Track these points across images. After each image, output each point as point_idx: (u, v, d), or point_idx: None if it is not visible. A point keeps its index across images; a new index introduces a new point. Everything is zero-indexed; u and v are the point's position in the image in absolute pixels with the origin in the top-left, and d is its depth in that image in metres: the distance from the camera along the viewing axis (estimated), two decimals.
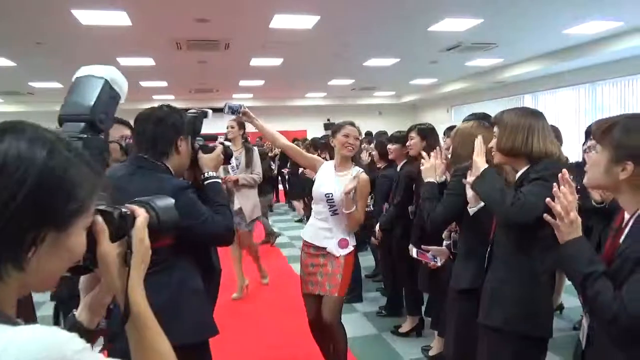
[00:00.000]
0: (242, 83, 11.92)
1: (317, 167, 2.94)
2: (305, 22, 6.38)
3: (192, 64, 9.03)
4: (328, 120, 16.69)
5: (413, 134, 3.61)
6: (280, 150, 9.40)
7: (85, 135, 1.05)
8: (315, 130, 15.59)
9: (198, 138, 2.04)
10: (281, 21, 6.29)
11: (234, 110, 2.78)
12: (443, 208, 2.34)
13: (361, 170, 2.80)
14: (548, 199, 1.46)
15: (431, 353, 3.48)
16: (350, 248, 2.80)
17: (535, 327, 1.85)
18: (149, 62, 8.70)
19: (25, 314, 2.14)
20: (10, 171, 0.60)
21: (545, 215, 1.49)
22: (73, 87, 1.16)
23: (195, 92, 13.22)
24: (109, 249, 0.79)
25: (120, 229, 0.81)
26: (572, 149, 6.75)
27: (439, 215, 2.35)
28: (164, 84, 11.48)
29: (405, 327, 3.91)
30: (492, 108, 14.00)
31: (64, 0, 5.13)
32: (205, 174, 1.95)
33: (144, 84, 11.17)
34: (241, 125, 4.67)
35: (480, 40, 7.91)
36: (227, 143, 2.19)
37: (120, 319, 0.80)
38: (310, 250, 2.84)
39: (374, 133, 10.28)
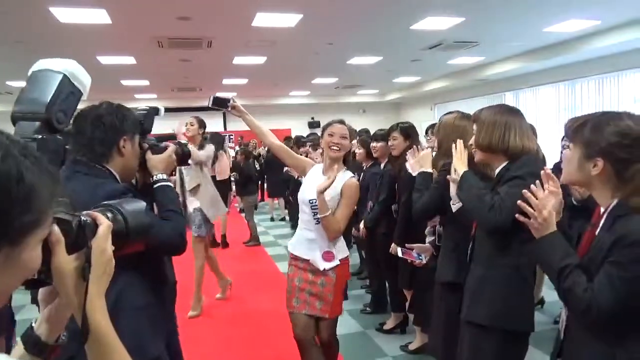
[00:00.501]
0: (226, 81, 11.85)
1: (306, 169, 2.70)
2: (288, 20, 6.36)
3: (174, 62, 8.94)
4: (312, 118, 16.71)
5: (396, 134, 3.63)
6: (266, 149, 9.46)
7: (40, 136, 0.95)
8: (299, 128, 15.58)
9: (150, 138, 1.89)
10: (264, 19, 6.26)
11: (220, 104, 2.54)
12: (428, 198, 2.41)
13: (352, 175, 2.57)
14: (519, 202, 1.51)
15: (412, 347, 3.52)
16: (336, 262, 2.51)
17: (517, 322, 1.88)
18: (130, 60, 8.59)
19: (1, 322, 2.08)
20: None
21: (517, 215, 1.54)
22: (28, 82, 1.06)
23: (177, 90, 13.10)
24: (64, 262, 0.71)
25: (79, 239, 0.73)
26: (552, 145, 6.85)
27: (422, 205, 2.42)
28: (145, 82, 11.35)
29: (389, 324, 3.94)
30: (475, 106, 14.07)
31: None
32: (154, 177, 1.79)
33: (125, 82, 11.03)
34: (202, 124, 4.34)
35: (462, 39, 7.98)
36: (184, 141, 2.08)
37: (79, 338, 0.74)
38: (298, 263, 2.60)
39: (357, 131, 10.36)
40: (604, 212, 1.41)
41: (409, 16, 6.49)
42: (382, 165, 4.09)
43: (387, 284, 4.21)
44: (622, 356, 1.29)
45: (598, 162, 1.36)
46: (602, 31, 7.66)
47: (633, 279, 1.26)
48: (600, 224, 1.40)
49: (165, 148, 1.87)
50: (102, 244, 0.76)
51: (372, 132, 4.70)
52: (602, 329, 1.33)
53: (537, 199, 1.48)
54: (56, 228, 0.70)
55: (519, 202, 1.51)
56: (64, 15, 5.62)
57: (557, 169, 2.31)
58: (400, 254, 2.93)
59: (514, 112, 1.99)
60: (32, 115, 0.99)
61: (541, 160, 1.97)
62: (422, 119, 15.09)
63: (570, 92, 10.03)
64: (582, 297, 1.31)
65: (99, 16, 5.73)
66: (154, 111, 1.93)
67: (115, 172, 1.67)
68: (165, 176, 1.81)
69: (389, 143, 3.70)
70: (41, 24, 5.92)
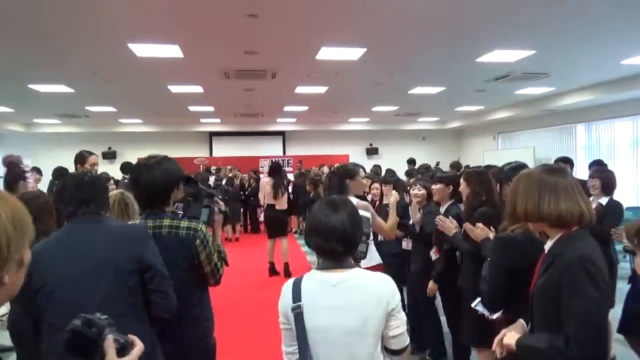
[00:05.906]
0: (287, 108, 12.08)
1: None
2: (351, 54, 6.39)
3: (238, 91, 9.23)
4: (370, 145, 16.61)
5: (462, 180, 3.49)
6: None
7: None
8: (357, 154, 15.52)
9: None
10: (328, 53, 6.32)
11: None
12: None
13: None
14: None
15: None
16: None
17: None
18: (197, 89, 8.96)
19: None
20: None
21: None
22: None
23: (240, 116, 13.49)
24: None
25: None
26: (627, 183, 6.26)
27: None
28: (210, 108, 11.79)
29: None
30: (542, 136, 13.44)
31: (122, 34, 5.37)
32: None
33: (192, 108, 11.51)
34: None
35: (532, 70, 7.69)
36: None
37: None
38: None
39: (416, 160, 10.13)
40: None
41: (475, 49, 6.35)
42: (442, 209, 3.88)
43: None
44: None
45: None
46: None
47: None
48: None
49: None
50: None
51: (432, 161, 4.60)
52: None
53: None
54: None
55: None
56: (141, 50, 5.94)
57: None
58: None
59: (552, 172, 1.74)
60: None
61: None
62: (484, 148, 14.62)
63: None
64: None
65: (173, 51, 6.02)
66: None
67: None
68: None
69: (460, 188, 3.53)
70: (118, 57, 6.30)
